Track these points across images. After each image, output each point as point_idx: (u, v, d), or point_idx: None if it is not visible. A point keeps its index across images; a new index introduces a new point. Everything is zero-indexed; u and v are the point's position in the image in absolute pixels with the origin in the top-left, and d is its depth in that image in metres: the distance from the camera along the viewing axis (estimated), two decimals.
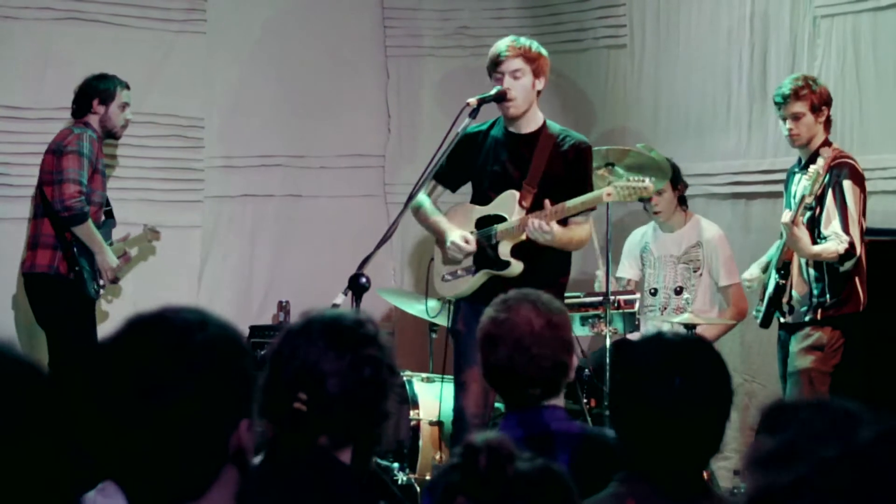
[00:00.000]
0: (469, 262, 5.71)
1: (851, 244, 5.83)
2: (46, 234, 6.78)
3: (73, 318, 6.69)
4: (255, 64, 8.04)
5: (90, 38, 7.69)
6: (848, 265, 5.89)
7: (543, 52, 5.72)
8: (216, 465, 1.93)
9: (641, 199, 6.97)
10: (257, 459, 2.74)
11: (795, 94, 6.05)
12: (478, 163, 5.76)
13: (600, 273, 6.90)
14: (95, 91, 6.98)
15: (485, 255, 5.66)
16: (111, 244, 7.02)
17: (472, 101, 5.56)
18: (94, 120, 6.96)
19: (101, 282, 6.86)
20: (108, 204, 7.14)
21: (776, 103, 6.16)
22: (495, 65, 5.64)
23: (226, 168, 8.12)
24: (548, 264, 5.59)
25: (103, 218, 6.98)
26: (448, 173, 5.80)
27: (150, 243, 7.62)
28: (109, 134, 7.04)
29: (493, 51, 5.69)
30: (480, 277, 5.67)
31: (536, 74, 5.65)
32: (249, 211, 8.20)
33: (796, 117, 6.05)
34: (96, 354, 1.93)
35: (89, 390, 1.87)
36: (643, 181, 5.52)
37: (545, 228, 5.41)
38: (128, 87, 7.04)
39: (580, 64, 8.28)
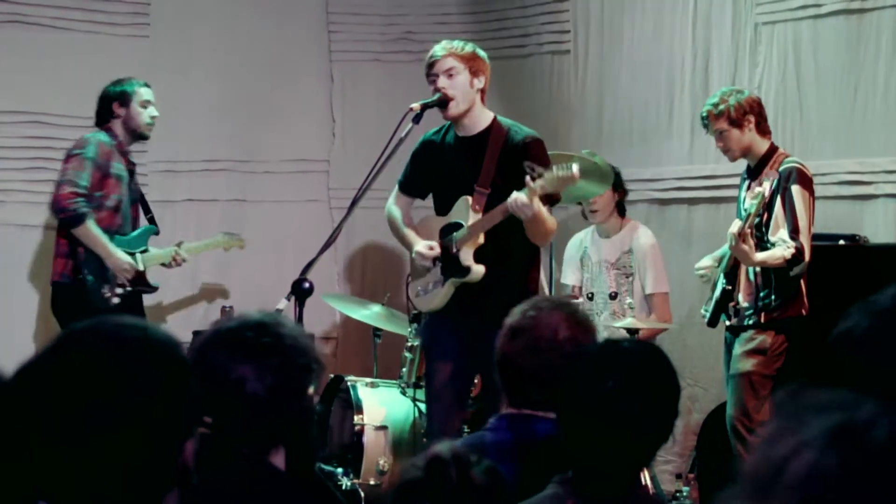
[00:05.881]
0: (438, 274, 5.66)
1: (798, 249, 5.86)
2: (62, 244, 6.66)
3: None
4: (199, 68, 8.00)
5: (32, 42, 7.64)
6: (797, 270, 5.90)
7: (480, 52, 5.68)
8: (164, 491, 1.84)
9: (579, 203, 7.03)
10: None
11: (711, 114, 6.14)
12: (434, 171, 5.74)
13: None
14: (113, 94, 6.85)
15: (449, 264, 5.62)
16: (145, 251, 6.87)
17: (416, 106, 5.54)
18: (117, 125, 6.83)
19: (119, 289, 6.69)
20: (148, 210, 7.05)
21: (703, 125, 6.27)
22: (429, 67, 5.62)
23: (169, 173, 8.07)
24: (514, 269, 5.56)
25: (120, 222, 6.78)
26: (412, 182, 5.81)
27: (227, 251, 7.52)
28: (137, 135, 6.88)
29: (428, 55, 5.67)
30: (449, 288, 5.61)
31: (474, 73, 5.60)
32: (193, 216, 8.14)
33: (720, 134, 6.14)
34: (32, 372, 1.79)
35: (24, 410, 1.76)
36: (569, 168, 5.27)
37: (523, 201, 5.23)
38: (147, 85, 6.91)
39: (524, 69, 8.30)
